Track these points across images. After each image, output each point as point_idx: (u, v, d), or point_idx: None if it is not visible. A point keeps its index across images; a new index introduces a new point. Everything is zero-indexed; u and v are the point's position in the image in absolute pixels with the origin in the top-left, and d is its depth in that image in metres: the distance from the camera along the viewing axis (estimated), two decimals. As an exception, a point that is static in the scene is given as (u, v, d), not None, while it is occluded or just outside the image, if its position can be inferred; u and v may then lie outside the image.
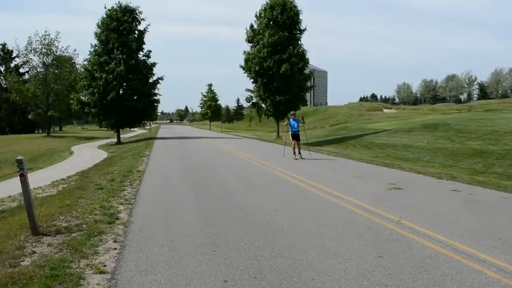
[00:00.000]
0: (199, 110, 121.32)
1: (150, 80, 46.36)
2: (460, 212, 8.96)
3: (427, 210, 9.17)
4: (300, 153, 20.26)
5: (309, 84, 51.55)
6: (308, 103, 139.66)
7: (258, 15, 47.31)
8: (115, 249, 6.20)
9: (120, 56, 41.97)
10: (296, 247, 6.24)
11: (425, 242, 6.53)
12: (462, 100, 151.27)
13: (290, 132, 20.58)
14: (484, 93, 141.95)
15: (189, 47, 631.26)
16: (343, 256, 5.85)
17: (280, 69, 44.00)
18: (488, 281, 5.03)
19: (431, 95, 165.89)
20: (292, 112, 21.70)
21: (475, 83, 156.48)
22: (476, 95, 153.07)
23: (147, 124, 76.71)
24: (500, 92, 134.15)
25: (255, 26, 47.79)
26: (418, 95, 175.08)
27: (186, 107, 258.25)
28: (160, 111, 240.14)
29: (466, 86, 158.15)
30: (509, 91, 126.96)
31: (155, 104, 48.32)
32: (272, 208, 9.11)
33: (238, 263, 5.55)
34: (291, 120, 20.61)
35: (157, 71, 46.20)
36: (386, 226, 7.53)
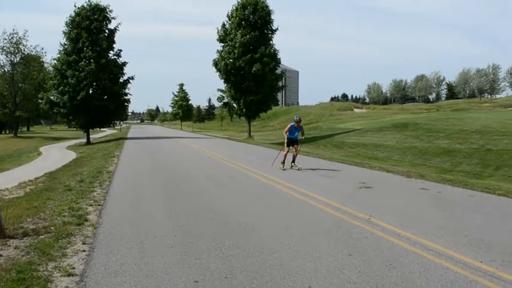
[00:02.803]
0: (170, 109, 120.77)
1: (121, 80, 45.91)
2: (429, 210, 9.11)
3: (396, 208, 9.30)
4: (294, 160, 16.60)
5: (280, 84, 51.84)
6: (280, 103, 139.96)
7: (229, 14, 47.32)
8: (84, 251, 6.11)
9: (90, 54, 41.40)
10: (267, 247, 6.25)
11: (394, 240, 6.62)
12: (431, 100, 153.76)
13: (286, 137, 16.86)
14: (452, 93, 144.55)
15: (160, 46, 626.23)
16: (314, 255, 5.88)
17: (252, 69, 44.07)
18: (455, 277, 5.12)
19: (401, 94, 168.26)
20: (298, 118, 16.91)
21: (443, 83, 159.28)
22: (444, 95, 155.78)
23: (118, 124, 75.99)
24: (467, 91, 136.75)
25: (227, 26, 47.80)
26: (388, 94, 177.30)
27: (157, 107, 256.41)
28: (131, 111, 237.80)
29: (434, 86, 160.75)
30: (476, 91, 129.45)
31: (126, 103, 47.81)
32: (243, 208, 9.12)
33: (209, 263, 5.53)
34: (293, 126, 16.70)
35: (127, 71, 45.88)
36: (356, 224, 7.60)
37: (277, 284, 4.86)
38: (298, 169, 15.90)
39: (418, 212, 8.86)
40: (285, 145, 17.10)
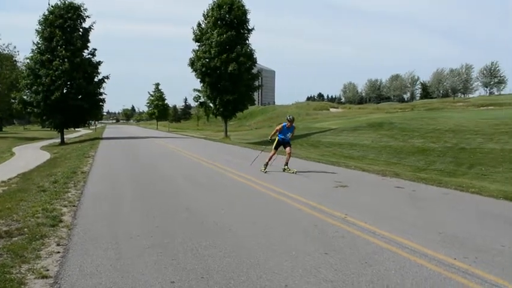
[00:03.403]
0: (146, 109, 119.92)
1: (96, 79, 45.38)
2: (404, 208, 9.22)
3: (372, 206, 9.39)
4: (287, 163, 15.39)
5: (256, 83, 51.89)
6: (256, 102, 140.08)
7: (205, 14, 47.21)
8: (58, 252, 6.03)
9: (64, 53, 40.85)
10: (243, 246, 6.26)
11: (370, 238, 6.68)
12: (405, 99, 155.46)
13: (277, 138, 15.57)
14: (426, 92, 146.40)
15: (136, 46, 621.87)
16: (290, 254, 5.90)
17: (228, 69, 44.03)
18: (429, 274, 5.20)
19: (376, 94, 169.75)
20: (291, 117, 15.58)
21: (417, 83, 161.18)
22: (418, 95, 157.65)
23: (92, 124, 75.20)
24: (441, 91, 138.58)
25: (203, 25, 47.67)
26: (363, 94, 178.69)
27: (133, 107, 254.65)
28: (106, 110, 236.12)
29: (409, 85, 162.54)
30: (449, 90, 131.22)
31: (101, 103, 47.27)
32: (220, 208, 9.10)
33: (186, 263, 5.51)
34: (285, 126, 15.40)
35: (102, 70, 45.38)
36: (332, 223, 7.65)
37: (254, 283, 4.87)
38: (293, 173, 14.66)
39: (393, 210, 8.96)
40: (273, 147, 15.70)
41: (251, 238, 6.70)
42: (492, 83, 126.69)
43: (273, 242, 6.50)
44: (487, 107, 64.21)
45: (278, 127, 15.57)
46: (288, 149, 15.42)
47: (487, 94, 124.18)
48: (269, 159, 15.39)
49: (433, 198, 10.62)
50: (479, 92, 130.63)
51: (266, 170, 15.11)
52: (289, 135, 15.59)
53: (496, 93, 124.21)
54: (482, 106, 66.23)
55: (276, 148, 15.62)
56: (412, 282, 4.93)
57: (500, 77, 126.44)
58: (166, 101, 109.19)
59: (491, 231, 7.33)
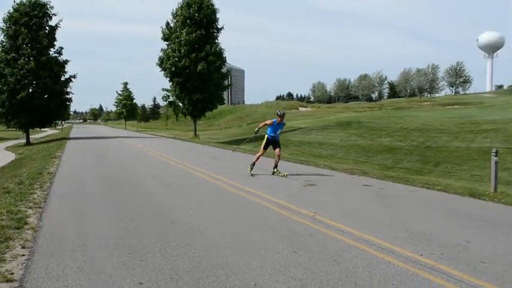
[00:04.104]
0: (114, 109, 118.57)
1: (62, 78, 44.68)
2: (371, 206, 9.33)
3: (340, 205, 9.49)
4: (276, 165, 14.28)
5: (226, 82, 51.90)
6: (225, 102, 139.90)
7: (174, 13, 46.92)
8: (23, 255, 5.90)
9: (30, 52, 40.11)
10: (213, 246, 6.24)
11: (338, 236, 6.74)
12: (373, 98, 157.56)
13: (266, 136, 14.47)
14: (394, 92, 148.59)
15: (103, 44, 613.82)
16: (259, 253, 5.91)
17: (197, 68, 43.82)
18: (396, 270, 5.27)
19: (345, 93, 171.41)
20: (282, 112, 14.66)
21: (385, 82, 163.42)
22: (386, 94, 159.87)
23: (59, 124, 74.02)
24: (408, 90, 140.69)
25: (171, 24, 47.37)
26: (332, 93, 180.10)
27: (101, 106, 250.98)
28: (73, 110, 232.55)
29: (377, 85, 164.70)
30: (416, 90, 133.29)
31: (67, 103, 46.59)
32: (188, 207, 9.05)
33: (154, 264, 5.46)
34: (275, 122, 14.26)
35: (69, 69, 44.58)
36: (301, 222, 7.69)
37: (223, 282, 4.86)
38: (284, 176, 13.77)
39: (361, 208, 9.07)
40: (262, 146, 14.51)
41: (220, 238, 6.68)
42: (457, 82, 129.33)
43: (241, 241, 6.50)
44: (452, 106, 65.56)
45: (268, 121, 14.53)
46: (277, 150, 14.32)
47: (453, 93, 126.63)
48: (256, 159, 14.40)
49: (401, 196, 10.79)
50: (445, 91, 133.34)
51: (252, 172, 14.09)
52: (279, 132, 14.59)
53: (461, 92, 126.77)
54: (448, 105, 67.59)
55: (266, 148, 14.48)
56: (380, 279, 5.00)
57: (466, 76, 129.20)
58: (134, 101, 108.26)
59: (456, 228, 7.48)
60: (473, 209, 9.47)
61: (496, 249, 6.22)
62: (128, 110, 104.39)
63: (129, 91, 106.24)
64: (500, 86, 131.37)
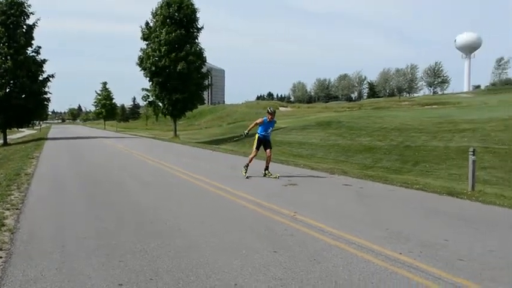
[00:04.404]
0: (93, 109, 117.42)
1: (40, 78, 44.13)
2: (351, 205, 9.39)
3: (321, 204, 9.53)
4: (267, 167, 13.81)
5: (206, 82, 51.78)
6: (206, 102, 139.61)
7: (154, 12, 46.69)
8: (0, 257, 5.81)
9: (7, 51, 39.57)
10: (193, 246, 6.22)
11: (318, 235, 6.77)
12: (353, 98, 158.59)
13: (257, 136, 13.91)
14: (373, 91, 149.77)
15: (82, 43, 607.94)
16: (240, 252, 5.90)
17: (177, 68, 43.66)
18: (376, 269, 5.31)
19: (325, 93, 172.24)
20: (273, 109, 13.99)
21: (364, 82, 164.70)
22: (366, 94, 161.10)
23: (37, 124, 73.19)
24: (387, 90, 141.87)
25: (151, 24, 47.14)
26: (312, 93, 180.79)
27: (80, 106, 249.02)
28: (51, 110, 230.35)
29: (356, 85, 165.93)
30: (395, 90, 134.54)
31: (46, 102, 46.03)
32: (169, 208, 9.02)
33: (134, 265, 5.42)
34: (266, 120, 13.71)
35: (48, 69, 43.82)
36: (281, 221, 7.70)
37: (203, 282, 4.85)
38: (276, 178, 13.29)
39: (341, 208, 9.13)
40: (254, 147, 13.89)
41: (200, 237, 6.66)
42: (436, 82, 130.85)
43: (222, 241, 6.49)
44: (431, 106, 66.28)
45: (258, 120, 13.90)
46: (268, 151, 13.76)
47: (431, 93, 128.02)
48: (249, 161, 13.85)
49: (380, 195, 10.88)
50: (423, 91, 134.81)
51: (247, 174, 13.50)
52: (270, 130, 13.93)
53: (439, 92, 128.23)
54: (427, 105, 68.31)
55: (258, 148, 13.85)
56: (360, 277, 5.03)
57: (444, 77, 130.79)
58: (114, 100, 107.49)
59: (435, 226, 7.56)
60: (451, 207, 9.58)
61: (474, 247, 6.30)
62: (107, 110, 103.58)
63: (109, 91, 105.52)
64: (478, 86, 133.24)
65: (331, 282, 4.87)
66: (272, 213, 8.41)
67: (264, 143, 13.85)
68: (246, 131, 14.40)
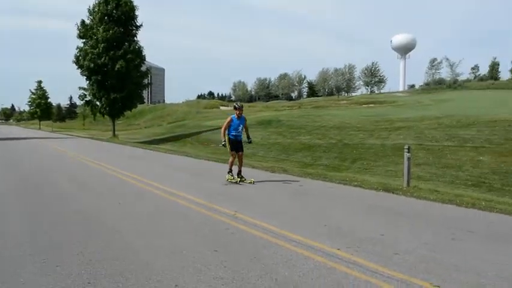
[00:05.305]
0: (27, 108, 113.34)
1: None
2: (291, 203, 9.53)
3: (261, 202, 9.60)
4: (240, 171, 12.88)
5: (146, 81, 51.06)
6: (145, 101, 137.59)
7: (91, 10, 45.57)
8: None
9: None
10: (132, 248, 6.12)
11: (259, 233, 6.81)
12: (293, 97, 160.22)
13: (228, 137, 12.80)
14: (313, 91, 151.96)
15: (15, 41, 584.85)
16: (180, 253, 5.86)
17: (116, 66, 42.84)
18: (315, 265, 5.41)
19: (265, 92, 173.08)
20: (239, 105, 12.99)
21: (304, 82, 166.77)
22: (305, 93, 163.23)
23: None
24: (326, 90, 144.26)
25: (88, 21, 45.97)
26: (253, 92, 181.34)
27: (13, 106, 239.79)
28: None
29: (296, 84, 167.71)
30: (334, 89, 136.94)
31: (-25, 102, 44.13)
32: (108, 210, 8.84)
33: (71, 269, 5.27)
34: (234, 118, 12.75)
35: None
36: (222, 220, 7.71)
37: (143, 285, 4.78)
38: (251, 183, 12.36)
39: (282, 205, 9.24)
40: (229, 150, 12.75)
41: (140, 239, 6.56)
42: (373, 82, 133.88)
43: (162, 242, 6.41)
44: (368, 104, 67.79)
45: (226, 121, 12.80)
46: (240, 154, 12.85)
47: (368, 93, 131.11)
48: (230, 166, 12.74)
49: (319, 193, 11.08)
50: (361, 90, 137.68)
51: (234, 178, 12.58)
52: (241, 128, 12.85)
53: (376, 91, 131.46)
54: (364, 104, 69.82)
55: (233, 149, 12.70)
56: (300, 274, 5.11)
57: (380, 76, 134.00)
58: (49, 100, 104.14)
59: (372, 222, 7.78)
60: (388, 203, 9.88)
61: (409, 241, 6.52)
62: (43, 109, 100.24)
63: (44, 90, 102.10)
64: (412, 86, 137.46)
65: (271, 280, 4.92)
66: (213, 212, 8.40)
67: (236, 144, 12.79)
68: (223, 141, 12.87)
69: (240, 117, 12.73)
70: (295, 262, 5.51)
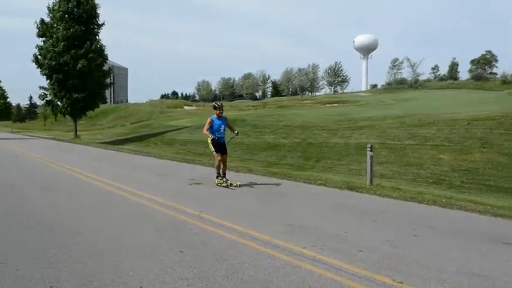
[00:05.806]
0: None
1: None
2: (256, 203, 9.55)
3: (226, 202, 9.60)
4: (225, 175, 12.21)
5: (108, 81, 50.31)
6: (108, 100, 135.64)
7: (51, 8, 44.55)
8: None
9: None
10: (96, 250, 6.01)
11: (224, 233, 6.80)
12: (258, 97, 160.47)
13: (210, 140, 12.17)
14: (277, 90, 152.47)
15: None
16: (145, 254, 5.80)
17: (77, 65, 42.09)
18: (281, 264, 5.43)
19: (230, 92, 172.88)
20: (219, 104, 12.48)
21: (268, 81, 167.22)
22: (270, 93, 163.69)
23: None
24: (291, 89, 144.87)
25: (48, 19, 44.95)
26: (217, 92, 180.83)
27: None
28: None
29: (261, 84, 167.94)
30: (298, 89, 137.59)
31: None
32: (71, 212, 8.67)
33: (32, 273, 5.14)
34: (214, 118, 12.19)
35: None
36: (187, 221, 7.67)
37: (108, 287, 4.71)
38: (237, 186, 11.82)
39: (246, 205, 9.25)
40: (213, 151, 12.13)
41: (104, 241, 6.46)
42: (336, 81, 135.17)
43: (126, 243, 6.33)
44: (331, 104, 68.42)
45: (207, 122, 12.16)
46: (224, 156, 12.21)
47: (332, 92, 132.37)
48: (218, 168, 12.12)
49: (284, 192, 11.14)
50: (324, 90, 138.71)
51: (224, 181, 12.00)
52: (223, 129, 12.24)
53: (339, 91, 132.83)
54: (328, 103, 70.42)
55: (217, 150, 12.04)
56: (265, 272, 5.12)
57: (343, 76, 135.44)
58: (8, 99, 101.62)
59: (336, 220, 7.87)
60: (351, 201, 10.01)
61: (373, 238, 6.63)
62: (1, 109, 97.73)
63: (3, 89, 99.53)
64: (375, 86, 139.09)
65: (237, 279, 4.91)
66: (177, 212, 8.35)
67: (219, 146, 12.15)
68: (208, 144, 12.31)
69: (220, 117, 12.18)
70: (261, 261, 5.53)
